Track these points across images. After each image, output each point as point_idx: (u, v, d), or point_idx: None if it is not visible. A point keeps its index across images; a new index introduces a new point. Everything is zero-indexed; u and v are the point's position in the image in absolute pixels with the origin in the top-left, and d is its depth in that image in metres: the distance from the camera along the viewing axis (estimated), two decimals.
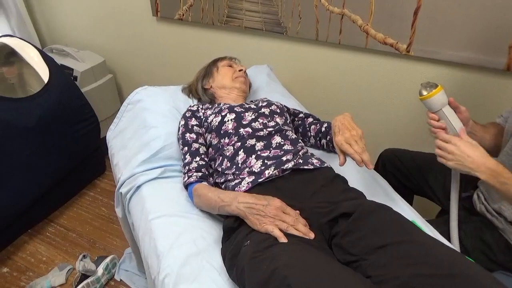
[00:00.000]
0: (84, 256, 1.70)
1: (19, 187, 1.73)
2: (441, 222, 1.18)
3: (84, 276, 1.63)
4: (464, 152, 0.93)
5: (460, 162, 0.94)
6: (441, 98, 1.02)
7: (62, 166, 1.94)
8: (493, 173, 0.91)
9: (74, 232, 1.92)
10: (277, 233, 0.85)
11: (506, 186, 0.91)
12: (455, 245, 1.09)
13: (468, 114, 1.11)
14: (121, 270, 1.70)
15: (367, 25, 1.53)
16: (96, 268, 1.66)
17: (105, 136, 1.55)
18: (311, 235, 0.88)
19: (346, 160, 1.05)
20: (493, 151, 1.10)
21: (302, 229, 0.89)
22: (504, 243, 1.06)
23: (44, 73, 1.88)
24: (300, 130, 1.37)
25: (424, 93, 1.02)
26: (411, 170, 1.34)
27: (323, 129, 1.31)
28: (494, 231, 1.08)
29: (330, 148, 1.32)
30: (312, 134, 1.34)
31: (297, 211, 0.93)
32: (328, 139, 1.29)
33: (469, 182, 1.19)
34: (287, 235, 0.86)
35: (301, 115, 1.39)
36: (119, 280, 1.67)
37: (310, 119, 1.37)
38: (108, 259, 1.69)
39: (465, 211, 1.18)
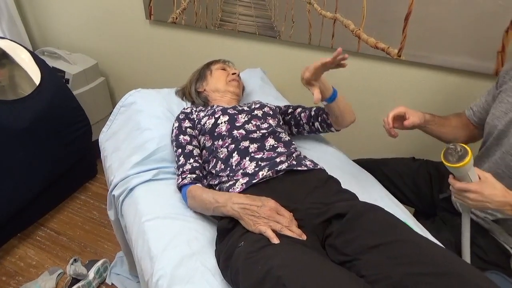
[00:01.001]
0: (75, 260, 1.68)
1: (9, 190, 1.71)
2: (432, 227, 1.20)
3: (75, 280, 1.61)
4: (487, 198, 0.89)
5: (484, 206, 0.90)
6: (471, 163, 0.89)
7: (53, 169, 1.93)
8: None
9: (64, 236, 1.90)
10: (269, 234, 0.86)
11: None
12: None
13: (417, 115, 1.12)
14: (113, 274, 1.69)
15: (359, 29, 1.55)
16: (87, 272, 1.64)
17: (97, 139, 1.54)
18: (303, 237, 0.89)
19: (320, 96, 1.02)
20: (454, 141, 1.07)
21: (296, 230, 0.89)
22: (494, 242, 1.07)
23: (35, 75, 1.86)
24: (293, 122, 1.37)
25: (452, 159, 0.89)
26: (379, 178, 1.34)
27: (312, 113, 1.32)
28: (483, 233, 1.09)
29: (325, 129, 1.31)
30: (304, 121, 1.34)
31: (291, 213, 0.94)
32: (320, 120, 1.29)
33: (448, 183, 1.19)
34: (281, 235, 0.87)
35: (290, 109, 1.39)
36: (110, 284, 1.66)
37: (299, 109, 1.37)
38: (99, 263, 1.67)
39: (448, 212, 1.19)
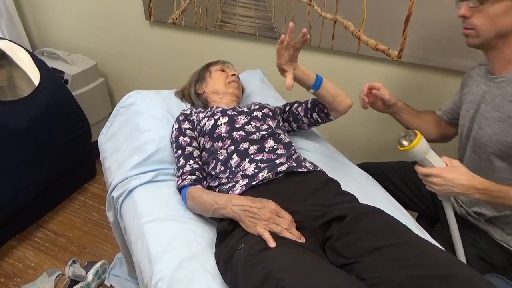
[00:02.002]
0: (73, 262, 1.67)
1: (8, 191, 1.70)
2: (433, 233, 1.19)
3: (73, 282, 1.61)
4: (450, 181, 0.92)
5: (450, 190, 0.94)
6: (424, 146, 0.95)
7: (52, 170, 1.92)
8: (483, 191, 0.92)
9: (63, 237, 1.89)
10: (267, 236, 0.85)
11: (500, 199, 0.93)
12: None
13: (389, 94, 1.21)
14: (112, 276, 1.68)
15: (359, 31, 1.55)
16: (86, 273, 1.64)
17: (96, 140, 1.54)
18: (302, 240, 0.88)
19: (292, 83, 1.06)
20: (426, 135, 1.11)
21: (295, 232, 0.89)
22: (494, 243, 1.09)
23: (34, 76, 1.86)
24: (291, 118, 1.36)
25: (405, 143, 0.96)
26: (384, 182, 1.34)
27: (309, 105, 1.31)
28: (482, 234, 1.11)
29: (323, 118, 1.30)
30: (302, 114, 1.33)
31: (291, 216, 0.93)
32: (317, 110, 1.29)
33: None
34: (281, 238, 0.86)
35: (287, 107, 1.38)
36: (109, 285, 1.65)
37: (296, 104, 1.36)
38: (98, 265, 1.67)
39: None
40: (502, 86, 0.98)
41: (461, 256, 1.05)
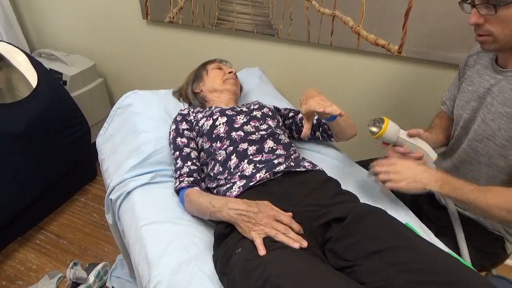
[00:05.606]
0: (75, 264, 1.67)
1: (8, 194, 1.70)
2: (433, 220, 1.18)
3: (75, 284, 1.61)
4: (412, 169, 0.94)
5: (419, 187, 0.93)
6: (394, 128, 1.01)
7: (52, 172, 1.91)
8: (445, 179, 0.93)
9: (64, 239, 1.89)
10: (258, 243, 0.82)
11: (459, 191, 0.92)
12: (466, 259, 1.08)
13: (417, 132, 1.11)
14: (113, 277, 1.67)
15: (359, 26, 1.53)
16: (87, 275, 1.63)
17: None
18: (304, 244, 0.84)
19: (309, 131, 1.03)
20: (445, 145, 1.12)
21: (293, 236, 0.85)
22: (487, 232, 1.09)
23: (32, 78, 1.85)
24: (294, 128, 1.34)
25: (375, 130, 1.00)
26: None
27: (314, 121, 1.29)
28: (474, 226, 1.11)
29: (325, 138, 1.30)
30: None
31: (290, 213, 0.91)
32: (321, 130, 1.28)
33: None
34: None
35: (291, 113, 1.36)
36: (110, 287, 1.65)
37: (301, 115, 1.33)
38: (99, 266, 1.66)
39: (434, 207, 1.18)
40: None
41: (463, 246, 1.06)
